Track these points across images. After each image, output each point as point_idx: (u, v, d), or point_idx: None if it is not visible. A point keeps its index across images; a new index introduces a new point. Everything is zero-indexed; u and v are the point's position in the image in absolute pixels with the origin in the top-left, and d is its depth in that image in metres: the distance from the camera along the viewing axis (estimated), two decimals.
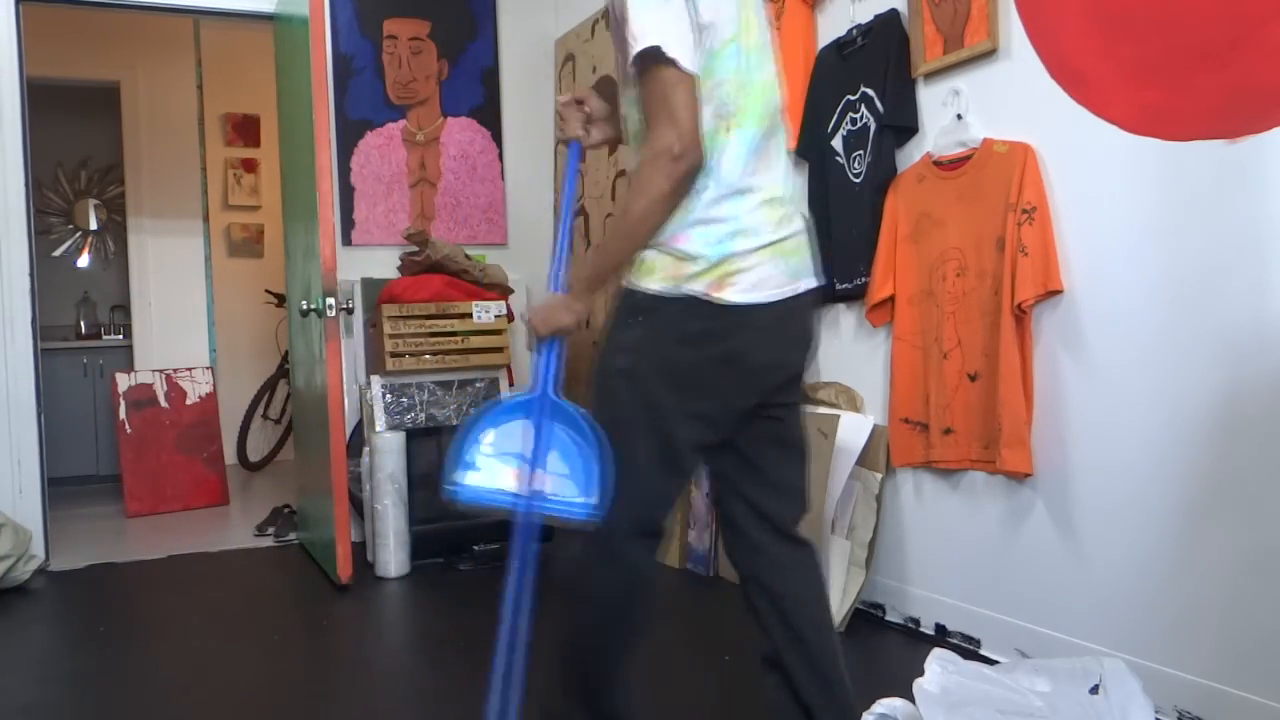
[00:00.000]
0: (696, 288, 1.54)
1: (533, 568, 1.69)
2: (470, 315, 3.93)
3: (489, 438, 1.66)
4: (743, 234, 1.56)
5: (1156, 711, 1.86)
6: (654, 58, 1.49)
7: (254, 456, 6.04)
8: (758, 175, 1.59)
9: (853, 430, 2.84)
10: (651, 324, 1.58)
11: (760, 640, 1.74)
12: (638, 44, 1.49)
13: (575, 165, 1.87)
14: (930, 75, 2.64)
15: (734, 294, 1.55)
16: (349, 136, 4.22)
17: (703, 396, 1.59)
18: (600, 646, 1.69)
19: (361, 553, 3.70)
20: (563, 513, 1.60)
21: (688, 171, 1.51)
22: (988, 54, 2.46)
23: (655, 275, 1.57)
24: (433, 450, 3.69)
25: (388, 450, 3.51)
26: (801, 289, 1.65)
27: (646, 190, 1.51)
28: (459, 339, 3.92)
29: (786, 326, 1.64)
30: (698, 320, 1.55)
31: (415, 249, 4.06)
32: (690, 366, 1.57)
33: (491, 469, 1.64)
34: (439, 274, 3.94)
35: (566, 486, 1.60)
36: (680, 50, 1.49)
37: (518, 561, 1.69)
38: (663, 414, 1.58)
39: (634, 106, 1.62)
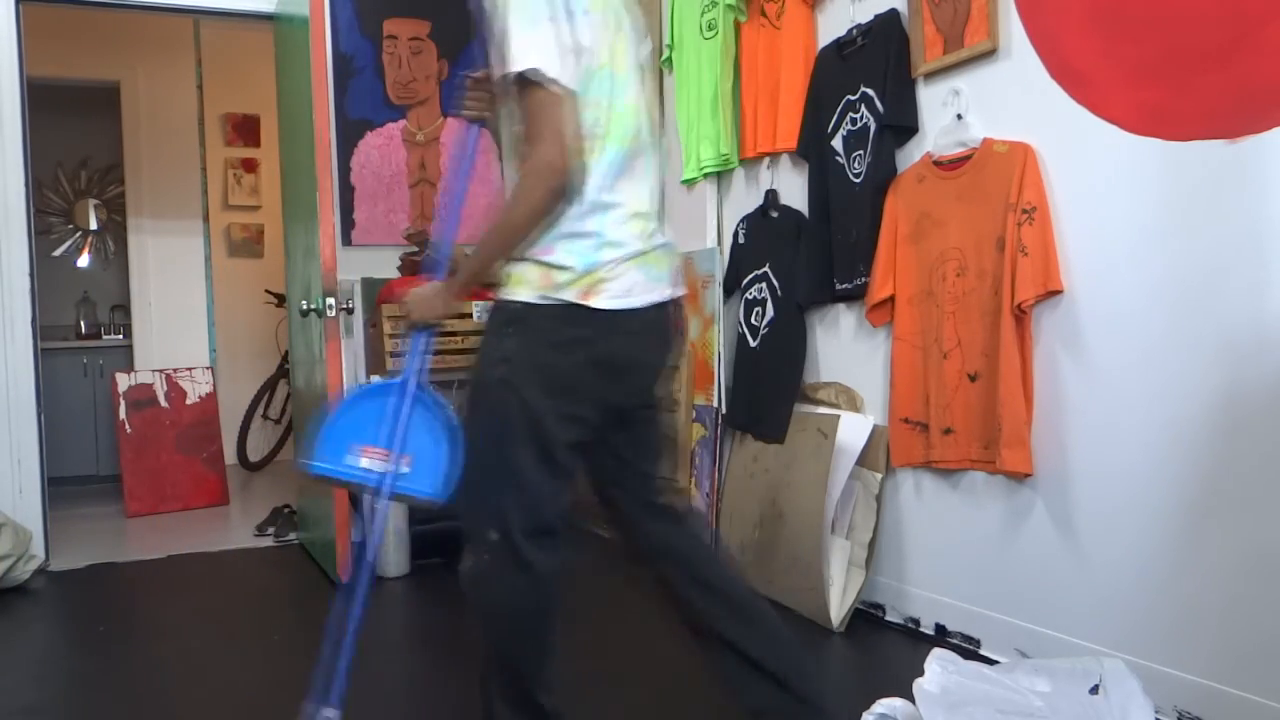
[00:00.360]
0: (567, 295, 1.62)
1: (373, 549, 1.84)
2: (470, 315, 3.93)
3: (351, 418, 1.77)
4: (609, 246, 1.64)
5: (1156, 711, 1.86)
6: (534, 77, 1.55)
7: (254, 456, 6.04)
8: (622, 192, 1.67)
9: (853, 430, 2.84)
10: (524, 333, 1.64)
11: (682, 614, 1.84)
12: (517, 64, 1.55)
13: (474, 145, 1.90)
14: (930, 75, 2.64)
15: (603, 300, 1.63)
16: (349, 136, 4.22)
17: (576, 399, 1.67)
18: (522, 652, 1.74)
19: (361, 552, 3.70)
20: (413, 492, 1.73)
21: (568, 185, 1.58)
22: (988, 54, 2.46)
23: (526, 286, 1.64)
24: None
25: None
26: (665, 296, 1.73)
27: (526, 201, 1.58)
28: (459, 339, 3.91)
29: (651, 331, 1.73)
30: (569, 326, 1.63)
31: (415, 249, 4.05)
32: (564, 371, 1.65)
33: (349, 448, 1.74)
34: None
35: (420, 468, 1.73)
36: (561, 69, 1.56)
37: (366, 541, 1.84)
38: (541, 418, 1.64)
39: (509, 119, 1.69)
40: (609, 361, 1.68)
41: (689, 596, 1.81)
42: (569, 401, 1.67)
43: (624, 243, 1.66)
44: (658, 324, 1.74)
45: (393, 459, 1.72)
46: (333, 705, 1.79)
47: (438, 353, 4.00)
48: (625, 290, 1.65)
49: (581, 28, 1.60)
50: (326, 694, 1.78)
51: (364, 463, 1.74)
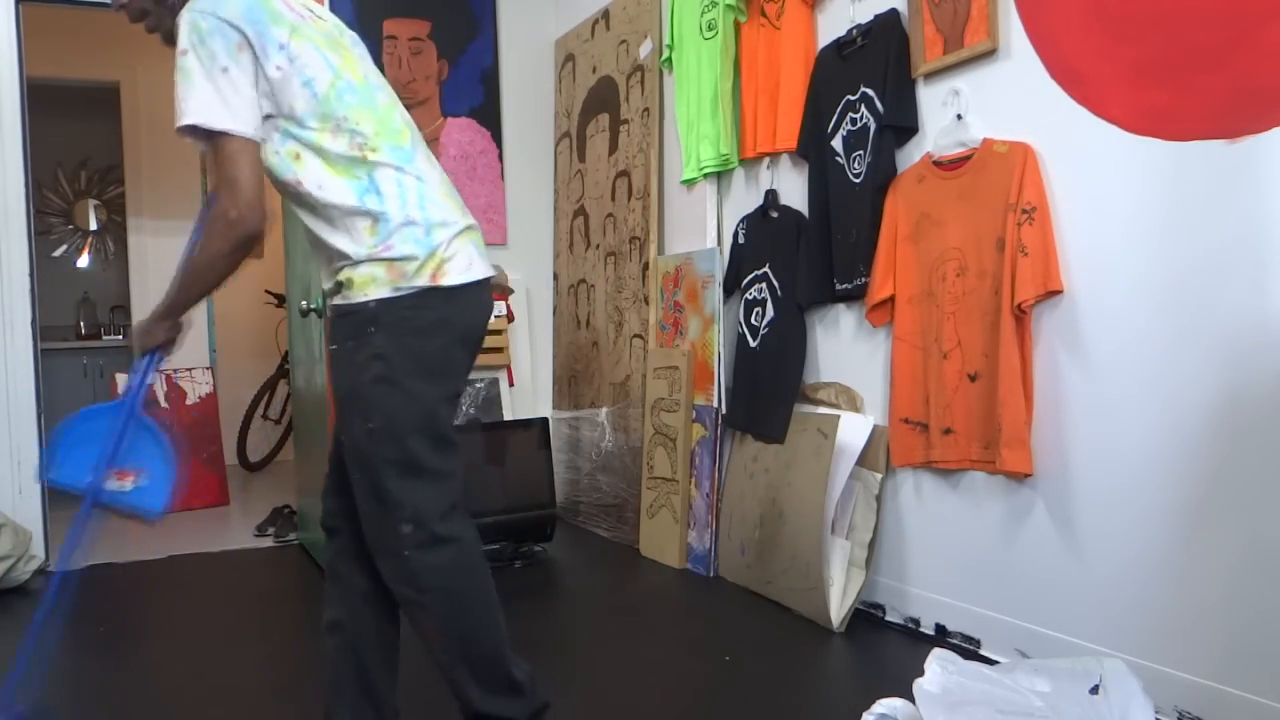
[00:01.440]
0: (420, 282, 1.69)
1: (79, 550, 1.99)
2: None
3: (82, 434, 1.95)
4: (439, 226, 1.73)
5: (1156, 711, 1.86)
6: (204, 132, 1.60)
7: (254, 456, 6.04)
8: (426, 178, 1.77)
9: (853, 430, 2.84)
10: (389, 328, 1.69)
11: (333, 606, 1.90)
12: (181, 118, 1.60)
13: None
14: (930, 75, 2.64)
15: (452, 278, 1.72)
16: None
17: (448, 379, 1.77)
18: (482, 629, 1.78)
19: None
20: (130, 505, 1.92)
21: (247, 234, 1.64)
22: (988, 54, 2.46)
23: (376, 284, 1.69)
24: None
25: None
26: (489, 272, 1.84)
27: (207, 248, 1.66)
28: None
29: (487, 302, 1.84)
30: (429, 310, 1.70)
31: None
32: (435, 354, 1.73)
33: (76, 462, 1.92)
34: None
35: (141, 484, 1.92)
36: (237, 120, 1.61)
37: (68, 543, 1.99)
38: (430, 404, 1.72)
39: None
40: (467, 335, 1.79)
41: (357, 602, 1.89)
42: (447, 381, 1.76)
43: (448, 221, 1.76)
44: (489, 296, 1.85)
45: (114, 474, 1.92)
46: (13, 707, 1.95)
47: None
48: (466, 265, 1.75)
49: (280, 62, 1.64)
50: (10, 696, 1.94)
51: (89, 477, 1.93)
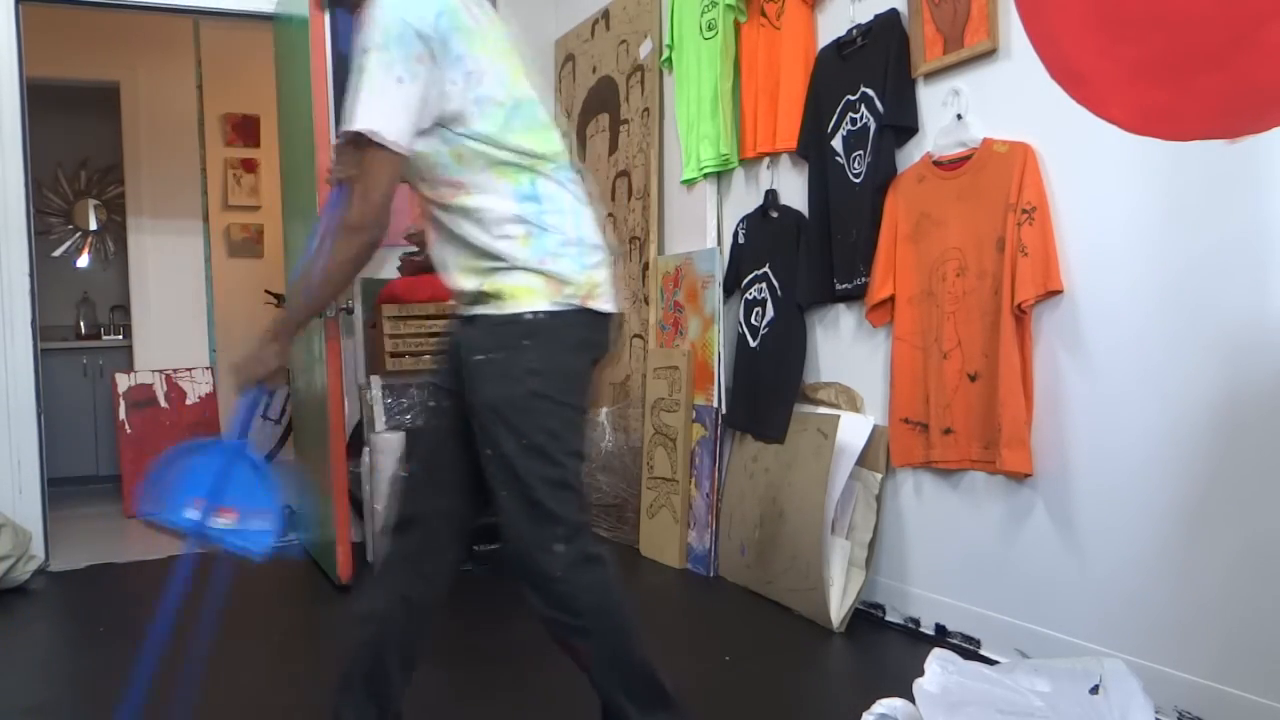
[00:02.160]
0: (575, 301, 1.68)
1: (186, 585, 1.97)
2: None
3: (184, 470, 1.93)
4: (593, 249, 1.74)
5: (1156, 711, 1.86)
6: (367, 140, 1.58)
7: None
8: (581, 200, 1.76)
9: (853, 430, 2.84)
10: (542, 342, 1.67)
11: (375, 600, 1.86)
12: (353, 123, 1.58)
13: (336, 203, 1.90)
14: (930, 75, 2.64)
15: (600, 303, 1.73)
16: None
17: (585, 399, 1.77)
18: (636, 643, 1.74)
19: (361, 553, 3.70)
20: (230, 545, 1.91)
21: (370, 242, 1.64)
22: (988, 54, 2.46)
23: (535, 296, 1.66)
24: None
25: (388, 450, 3.51)
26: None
27: (332, 256, 1.66)
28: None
29: (614, 335, 1.84)
30: (580, 329, 1.70)
31: (415, 249, 4.05)
32: (582, 371, 1.73)
33: (184, 498, 1.90)
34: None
35: (243, 523, 1.90)
36: (395, 131, 1.59)
37: (179, 579, 1.97)
38: (575, 422, 1.72)
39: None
40: (595, 361, 1.78)
41: (396, 607, 1.86)
42: (585, 400, 1.75)
43: (600, 246, 1.76)
44: (617, 327, 1.85)
45: (219, 512, 1.89)
46: None
47: (440, 353, 4.01)
48: (610, 294, 1.76)
49: (461, 76, 1.63)
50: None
51: (192, 514, 1.89)
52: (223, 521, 1.88)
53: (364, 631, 1.84)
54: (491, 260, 1.67)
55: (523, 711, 2.31)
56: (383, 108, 1.58)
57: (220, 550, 1.89)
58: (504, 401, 1.66)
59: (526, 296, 1.66)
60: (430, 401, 1.89)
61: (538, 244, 1.66)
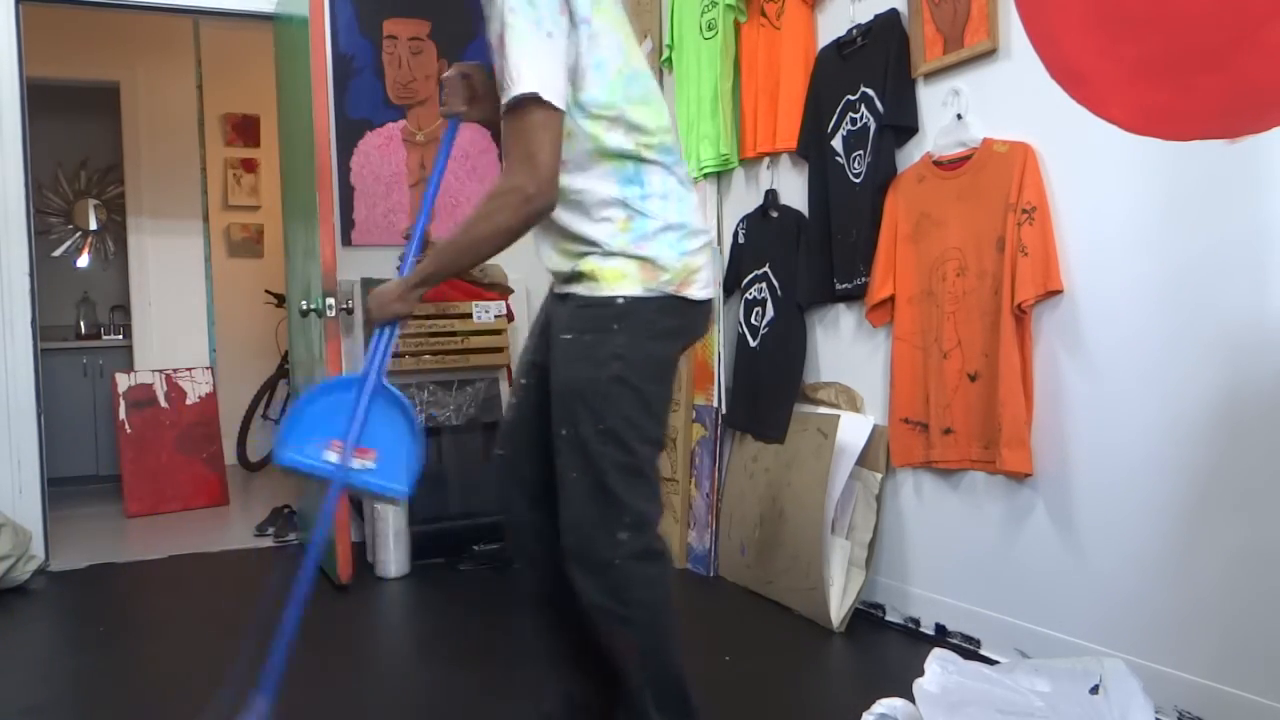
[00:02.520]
0: (669, 288, 1.65)
1: (324, 541, 1.85)
2: (470, 315, 3.93)
3: (317, 411, 1.79)
4: (693, 235, 1.69)
5: (1157, 711, 1.86)
6: (529, 101, 1.51)
7: (254, 456, 6.04)
8: (685, 183, 1.73)
9: (853, 430, 2.84)
10: (631, 327, 1.63)
11: (537, 580, 1.90)
12: (515, 86, 1.51)
13: (450, 140, 1.89)
14: (930, 75, 2.64)
15: (695, 291, 1.68)
16: (349, 136, 4.22)
17: (671, 386, 1.73)
18: (673, 647, 1.72)
19: (361, 553, 3.70)
20: (374, 487, 1.77)
21: (537, 211, 1.57)
22: (988, 54, 2.46)
23: (627, 280, 1.63)
24: (432, 450, 3.69)
25: None
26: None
27: (492, 220, 1.57)
28: (459, 339, 3.92)
29: (708, 321, 1.80)
30: (671, 317, 1.66)
31: None
32: (667, 360, 1.69)
33: (317, 441, 1.77)
34: None
35: (385, 464, 1.76)
36: (555, 91, 1.53)
37: (318, 529, 1.84)
38: (657, 410, 1.67)
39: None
40: (687, 349, 1.76)
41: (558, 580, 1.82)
42: (670, 390, 1.72)
43: (699, 230, 1.71)
44: (714, 314, 1.86)
45: (357, 453, 1.75)
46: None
47: (437, 353, 4.04)
48: (707, 281, 1.71)
49: (588, 33, 1.58)
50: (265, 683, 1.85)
51: (330, 456, 1.76)
52: (361, 463, 1.75)
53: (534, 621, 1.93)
54: (587, 243, 1.64)
55: (523, 710, 2.31)
56: (538, 66, 1.51)
57: (363, 494, 1.79)
58: (586, 383, 1.63)
59: (619, 280, 1.62)
60: (520, 379, 1.84)
61: (636, 229, 1.63)
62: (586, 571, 1.65)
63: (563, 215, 1.65)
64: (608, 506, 1.63)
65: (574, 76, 1.58)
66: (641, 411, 1.63)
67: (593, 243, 1.63)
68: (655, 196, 1.65)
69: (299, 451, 1.77)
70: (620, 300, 1.62)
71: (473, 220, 1.60)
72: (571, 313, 1.67)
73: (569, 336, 1.66)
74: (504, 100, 1.54)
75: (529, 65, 1.50)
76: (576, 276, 1.66)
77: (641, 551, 1.64)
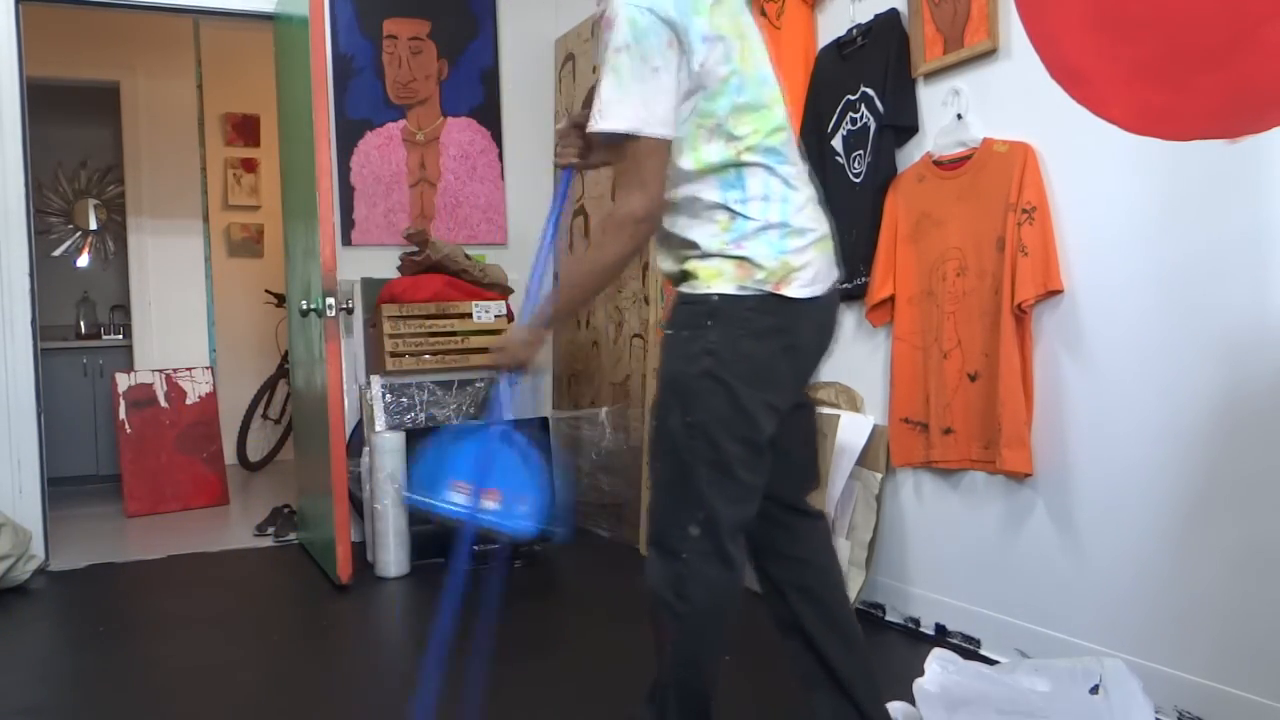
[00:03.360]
0: (765, 286, 1.65)
1: (464, 574, 1.89)
2: (470, 315, 3.93)
3: (448, 454, 1.89)
4: (795, 234, 1.67)
5: (1156, 711, 1.87)
6: (632, 136, 1.58)
7: (254, 456, 6.04)
8: (792, 182, 1.70)
9: (853, 430, 2.84)
10: (723, 324, 1.65)
11: (776, 608, 1.89)
12: (604, 121, 1.59)
13: (565, 191, 1.96)
14: (930, 75, 2.64)
15: (795, 289, 1.66)
16: (349, 136, 4.22)
17: (772, 388, 1.69)
18: (710, 660, 1.72)
19: (361, 553, 3.70)
20: (501, 526, 1.84)
21: (647, 234, 1.66)
22: (988, 54, 2.46)
23: (722, 279, 1.65)
24: None
25: (388, 450, 3.51)
26: (835, 280, 1.78)
27: (609, 249, 1.65)
28: (459, 339, 3.92)
29: (828, 318, 1.79)
30: (766, 316, 1.65)
31: (415, 249, 4.05)
32: (764, 360, 1.67)
33: (446, 482, 1.85)
34: (439, 274, 3.94)
35: (505, 504, 1.83)
36: (660, 121, 1.59)
37: (456, 568, 1.88)
38: (750, 409, 1.65)
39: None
40: (798, 349, 1.73)
41: (794, 599, 1.86)
42: (770, 391, 1.68)
43: (806, 229, 1.70)
44: (832, 311, 1.80)
45: (484, 495, 1.82)
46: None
47: (437, 353, 4.03)
48: (812, 278, 1.69)
49: (700, 57, 1.62)
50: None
51: (457, 498, 1.84)
52: (488, 504, 1.83)
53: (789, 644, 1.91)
54: (690, 246, 1.69)
55: (522, 710, 2.31)
56: (641, 100, 1.58)
57: (487, 533, 1.87)
58: (677, 377, 1.68)
59: (715, 278, 1.66)
60: None
61: (735, 230, 1.65)
62: (657, 555, 1.70)
63: (672, 221, 1.71)
64: (684, 499, 1.66)
65: (687, 93, 1.64)
66: (732, 409, 1.64)
67: (695, 245, 1.68)
68: (755, 199, 1.66)
69: (428, 493, 1.86)
70: (715, 297, 1.65)
71: (590, 252, 1.69)
72: (675, 309, 1.72)
73: (670, 332, 1.72)
74: (590, 130, 1.63)
75: (627, 101, 1.58)
76: (683, 276, 1.72)
77: (711, 552, 1.65)
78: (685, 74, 1.62)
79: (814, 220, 1.73)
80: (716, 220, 1.66)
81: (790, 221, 1.68)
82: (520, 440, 1.88)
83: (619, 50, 1.58)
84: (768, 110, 1.70)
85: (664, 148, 1.61)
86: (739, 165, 1.66)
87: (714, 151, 1.66)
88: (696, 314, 1.67)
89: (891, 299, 2.73)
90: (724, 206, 1.66)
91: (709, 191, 1.66)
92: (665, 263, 1.77)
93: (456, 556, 1.86)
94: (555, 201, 1.95)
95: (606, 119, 1.59)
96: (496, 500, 1.83)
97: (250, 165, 6.34)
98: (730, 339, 1.64)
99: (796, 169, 1.74)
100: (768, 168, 1.68)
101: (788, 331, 1.69)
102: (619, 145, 1.61)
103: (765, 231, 1.65)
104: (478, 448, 1.86)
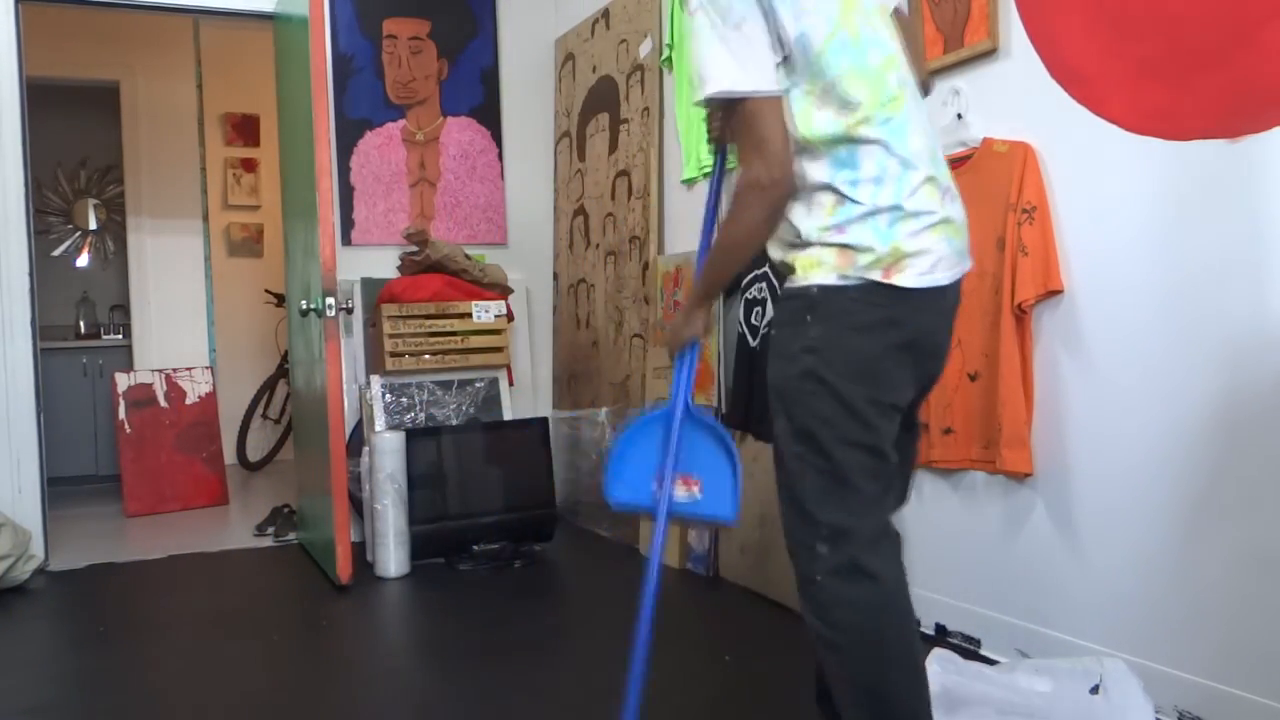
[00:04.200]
0: (871, 275, 1.49)
1: (658, 576, 1.76)
2: (470, 315, 3.93)
3: (639, 446, 1.77)
4: (909, 217, 1.51)
5: (1157, 711, 1.87)
6: (725, 97, 1.49)
7: (254, 456, 6.04)
8: (910, 160, 1.54)
9: None
10: (826, 318, 1.51)
11: None
12: (705, 87, 1.49)
13: (720, 164, 1.90)
14: (930, 75, 2.63)
15: (908, 278, 1.50)
16: (349, 136, 4.22)
17: (884, 385, 1.53)
18: (898, 687, 1.51)
19: (361, 553, 3.70)
20: (699, 515, 1.73)
21: (781, 196, 1.51)
22: (988, 54, 2.45)
23: (823, 268, 1.51)
24: (432, 450, 3.69)
25: (387, 450, 3.51)
26: (965, 270, 1.60)
27: (742, 220, 1.53)
28: (459, 339, 3.92)
29: (951, 311, 1.61)
30: (874, 308, 1.50)
31: (415, 249, 4.06)
32: (873, 356, 1.51)
33: (644, 476, 1.75)
34: (438, 274, 3.95)
35: (707, 490, 1.71)
36: (757, 78, 1.48)
37: (652, 570, 1.76)
38: (859, 408, 1.50)
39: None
40: (915, 345, 1.55)
41: None
42: (882, 389, 1.52)
43: (922, 211, 1.52)
44: (955, 304, 1.61)
45: (678, 483, 1.72)
46: None
47: (437, 353, 4.03)
48: (930, 266, 1.51)
49: (786, 19, 1.49)
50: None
51: (654, 490, 1.74)
52: (689, 492, 1.71)
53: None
54: (794, 233, 1.55)
55: (522, 710, 2.31)
56: (730, 58, 1.47)
57: (691, 523, 1.77)
58: (780, 379, 1.56)
59: (813, 269, 1.52)
60: None
61: (840, 215, 1.50)
62: (798, 584, 1.54)
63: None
64: (802, 516, 1.52)
65: (782, 54, 1.51)
66: (840, 411, 1.48)
67: (797, 231, 1.54)
68: (867, 182, 1.50)
69: (627, 489, 1.77)
70: (814, 289, 1.51)
71: (726, 225, 1.59)
72: (777, 305, 1.61)
73: (771, 330, 1.66)
74: (695, 100, 1.55)
75: (717, 62, 1.48)
76: (786, 268, 1.59)
77: (844, 568, 1.48)
78: (774, 30, 1.49)
79: (933, 201, 1.54)
80: (821, 204, 1.51)
81: (903, 204, 1.50)
82: (702, 417, 1.77)
83: (695, 12, 1.49)
84: (879, 77, 1.53)
85: (773, 103, 1.48)
86: (853, 141, 1.50)
87: (825, 121, 1.50)
88: (796, 309, 1.54)
89: None
90: (831, 188, 1.50)
91: (818, 170, 1.51)
92: (774, 252, 1.62)
93: (653, 548, 1.74)
94: (713, 177, 1.93)
95: (705, 84, 1.48)
96: (695, 486, 1.71)
97: (250, 165, 6.34)
98: (832, 334, 1.50)
99: (919, 143, 1.56)
100: (884, 145, 1.51)
101: (900, 325, 1.51)
102: (732, 110, 1.50)
103: (873, 217, 1.49)
104: (662, 434, 1.73)
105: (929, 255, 1.51)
